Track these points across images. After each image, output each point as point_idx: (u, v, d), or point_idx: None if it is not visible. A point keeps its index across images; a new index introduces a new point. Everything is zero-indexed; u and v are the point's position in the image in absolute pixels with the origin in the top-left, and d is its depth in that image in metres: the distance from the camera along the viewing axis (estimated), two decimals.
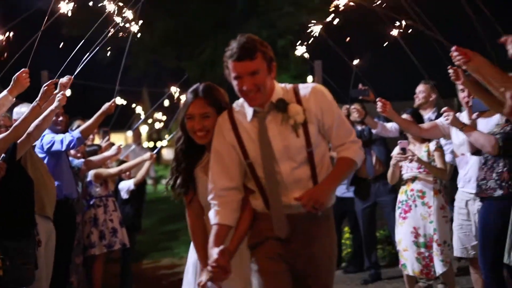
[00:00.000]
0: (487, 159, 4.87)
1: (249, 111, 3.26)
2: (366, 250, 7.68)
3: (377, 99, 5.80)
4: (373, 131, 7.15)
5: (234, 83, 3.18)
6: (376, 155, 7.40)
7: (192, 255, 3.62)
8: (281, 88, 3.28)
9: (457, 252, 5.62)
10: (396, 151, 6.10)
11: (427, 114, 6.74)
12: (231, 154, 3.29)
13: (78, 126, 6.70)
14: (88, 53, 5.02)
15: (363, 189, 7.54)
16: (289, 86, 3.31)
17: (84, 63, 5.03)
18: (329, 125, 3.24)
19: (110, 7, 4.41)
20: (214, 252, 3.08)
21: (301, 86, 3.30)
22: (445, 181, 6.13)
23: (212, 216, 3.25)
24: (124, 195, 7.62)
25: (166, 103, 10.10)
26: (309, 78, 11.23)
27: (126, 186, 7.59)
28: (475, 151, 5.11)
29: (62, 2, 3.79)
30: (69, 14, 3.85)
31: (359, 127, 7.57)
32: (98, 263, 6.98)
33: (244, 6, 16.13)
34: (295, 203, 3.15)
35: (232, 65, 3.14)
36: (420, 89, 6.89)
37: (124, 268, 7.60)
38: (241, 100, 3.31)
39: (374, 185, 7.34)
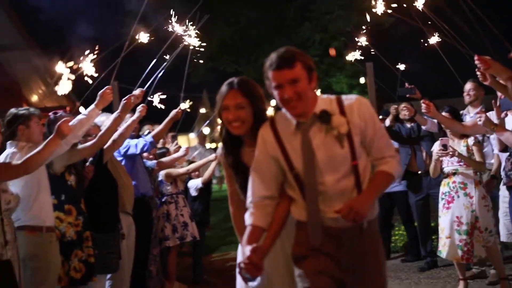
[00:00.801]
0: None
1: (292, 121, 3.23)
2: (421, 240, 8.10)
3: (422, 100, 6.22)
4: (423, 127, 7.58)
5: (275, 93, 3.18)
6: (425, 151, 7.82)
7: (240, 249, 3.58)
8: (324, 99, 3.27)
9: (503, 238, 6.04)
10: (437, 147, 6.56)
11: (475, 110, 6.92)
12: (271, 167, 3.29)
13: (148, 131, 7.40)
14: (159, 69, 5.64)
15: (415, 182, 7.96)
16: (332, 97, 3.29)
17: (156, 77, 5.66)
18: (371, 137, 3.22)
19: (178, 29, 4.93)
20: (247, 250, 3.09)
21: (344, 97, 3.27)
22: (484, 173, 6.54)
23: (247, 218, 3.27)
24: (193, 192, 8.23)
25: None
26: (362, 79, 11.61)
27: (194, 184, 8.19)
28: (504, 148, 5.53)
29: (141, 33, 4.28)
30: (146, 42, 4.34)
31: (408, 125, 8.03)
32: (172, 254, 7.66)
33: (296, 13, 16.55)
34: (338, 215, 3.11)
35: (272, 75, 3.14)
36: (469, 87, 7.08)
37: (195, 260, 8.28)
38: (283, 110, 3.29)
39: (425, 178, 7.68)
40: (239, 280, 3.50)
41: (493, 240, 6.30)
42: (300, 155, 3.19)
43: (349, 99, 3.23)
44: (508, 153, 5.45)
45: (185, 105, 7.13)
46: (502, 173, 5.79)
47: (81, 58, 3.81)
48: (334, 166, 3.15)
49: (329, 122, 3.14)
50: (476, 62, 3.95)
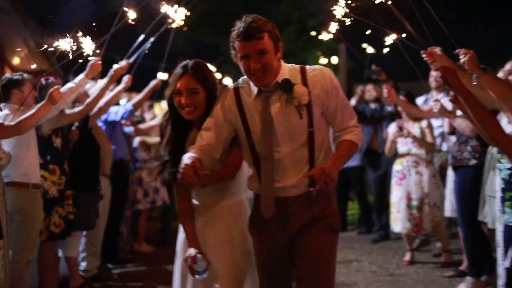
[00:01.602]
0: (462, 135, 5.83)
1: (253, 89, 3.21)
2: (377, 213, 8.74)
3: (384, 85, 6.75)
4: (388, 108, 8.16)
5: (241, 63, 3.14)
6: (386, 130, 8.39)
7: (181, 237, 3.62)
8: (288, 69, 3.24)
9: (448, 213, 6.64)
10: (393, 128, 7.15)
11: (439, 95, 7.28)
12: (223, 131, 3.28)
13: (126, 99, 7.81)
14: (145, 43, 6.02)
15: (375, 160, 8.56)
16: (297, 66, 3.27)
17: (140, 52, 6.05)
18: (334, 108, 3.20)
19: (166, 8, 5.22)
20: (186, 157, 3.08)
21: (308, 67, 3.24)
22: (433, 153, 7.13)
23: (188, 155, 3.15)
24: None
25: None
26: (334, 59, 12.06)
27: None
28: (452, 132, 6.13)
29: (130, 11, 4.52)
30: (133, 21, 4.61)
31: (372, 105, 8.58)
32: (143, 217, 8.13)
33: None
34: (289, 184, 3.18)
35: (239, 45, 3.09)
36: (436, 73, 7.62)
37: (164, 224, 8.74)
38: (245, 77, 3.27)
39: (384, 156, 8.16)
40: (177, 275, 3.58)
41: (440, 215, 6.92)
42: (259, 123, 3.19)
43: (312, 69, 3.21)
44: (455, 136, 6.01)
45: (163, 76, 7.50)
46: (449, 155, 6.34)
47: (79, 36, 4.07)
48: (292, 136, 3.17)
49: (290, 92, 3.13)
50: (424, 57, 4.35)
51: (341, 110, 3.23)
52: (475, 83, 3.50)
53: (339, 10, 4.30)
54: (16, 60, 11.57)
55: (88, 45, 4.00)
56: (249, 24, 3.06)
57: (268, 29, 3.09)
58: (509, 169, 3.66)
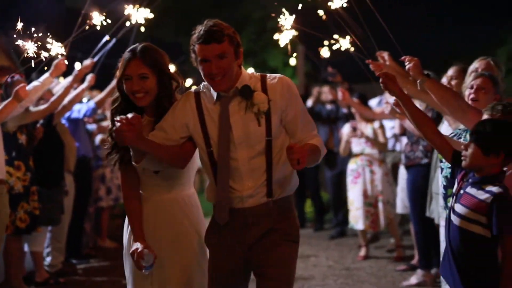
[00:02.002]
0: (412, 135, 6.11)
1: (213, 94, 3.18)
2: (334, 210, 9.02)
3: (338, 88, 7.05)
4: (343, 110, 8.49)
5: (201, 67, 3.11)
6: (341, 131, 8.70)
7: (127, 232, 3.49)
8: (248, 76, 3.21)
9: (399, 210, 6.97)
10: (347, 129, 7.46)
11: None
12: (178, 133, 3.23)
13: (88, 97, 7.92)
14: (109, 43, 6.16)
15: (331, 159, 8.81)
16: (257, 74, 3.25)
17: (104, 52, 6.19)
18: (293, 117, 3.16)
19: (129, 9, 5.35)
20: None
21: (268, 76, 3.21)
22: (386, 153, 7.46)
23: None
24: None
25: None
26: (292, 60, 12.29)
27: None
28: (403, 132, 6.46)
29: (94, 13, 4.62)
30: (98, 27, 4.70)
31: (328, 107, 8.88)
32: (105, 214, 8.25)
33: None
34: (246, 193, 3.13)
35: (199, 48, 3.07)
36: None
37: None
38: (206, 82, 3.24)
39: (339, 156, 8.38)
40: (128, 267, 3.49)
41: (393, 212, 7.25)
42: (217, 129, 3.15)
43: (273, 78, 3.18)
44: (406, 137, 6.33)
45: None
46: (402, 155, 6.64)
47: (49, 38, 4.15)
48: (249, 143, 3.12)
49: (250, 98, 3.10)
50: (371, 67, 4.56)
51: (301, 119, 3.20)
52: (419, 88, 3.78)
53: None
54: None
55: (54, 47, 4.08)
56: (210, 27, 3.04)
57: (228, 33, 3.08)
58: (450, 167, 3.91)
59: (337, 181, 8.74)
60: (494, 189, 2.90)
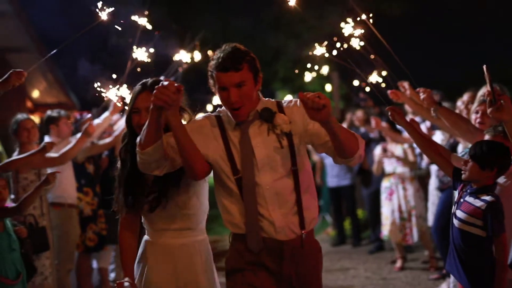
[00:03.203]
0: None
1: (232, 119, 3.08)
2: (372, 226, 9.59)
3: (371, 117, 7.67)
4: (371, 135, 9.12)
5: (219, 95, 3.03)
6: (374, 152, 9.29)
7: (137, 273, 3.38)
8: (266, 101, 3.15)
9: (430, 222, 7.52)
10: (378, 150, 8.10)
11: (416, 118, 8.21)
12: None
13: None
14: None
15: (367, 177, 9.43)
16: (272, 100, 3.20)
17: None
18: (317, 126, 2.98)
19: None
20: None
21: (284, 100, 3.20)
22: (416, 171, 8.02)
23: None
24: None
25: None
26: (327, 86, 12.88)
27: None
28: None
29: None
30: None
31: (362, 129, 9.50)
32: None
33: (270, 20, 17.68)
34: (277, 220, 3.03)
35: (217, 76, 2.97)
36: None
37: None
38: (223, 108, 3.17)
39: (374, 175, 8.95)
40: None
41: (425, 225, 7.80)
42: (239, 154, 3.05)
43: (288, 102, 3.16)
44: None
45: None
46: (436, 179, 7.17)
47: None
48: (273, 165, 3.03)
49: (271, 120, 3.03)
50: (390, 95, 5.17)
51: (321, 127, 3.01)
52: (433, 115, 4.41)
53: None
54: (35, 94, 12.54)
55: (112, 89, 4.46)
56: (228, 54, 2.96)
57: (247, 59, 2.99)
58: None
59: (374, 198, 9.23)
60: (488, 198, 3.53)
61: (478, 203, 3.53)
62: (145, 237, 3.36)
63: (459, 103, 5.59)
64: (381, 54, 4.98)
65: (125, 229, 3.38)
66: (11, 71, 4.20)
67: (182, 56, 6.12)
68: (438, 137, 6.86)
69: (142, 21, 4.90)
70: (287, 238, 3.08)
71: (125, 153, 3.31)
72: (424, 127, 7.04)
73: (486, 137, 3.87)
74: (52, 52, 4.60)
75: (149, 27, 4.99)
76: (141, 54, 4.95)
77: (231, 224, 3.15)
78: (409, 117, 8.13)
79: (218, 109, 3.22)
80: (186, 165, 3.02)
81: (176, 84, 2.75)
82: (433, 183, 7.36)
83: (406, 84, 5.07)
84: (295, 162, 3.08)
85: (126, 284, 3.16)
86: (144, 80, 3.26)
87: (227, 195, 3.13)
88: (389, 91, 5.01)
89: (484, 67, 2.98)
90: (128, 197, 3.29)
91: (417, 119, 7.44)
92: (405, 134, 7.88)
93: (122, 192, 3.30)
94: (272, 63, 16.95)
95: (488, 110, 3.03)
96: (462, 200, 3.65)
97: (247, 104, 3.02)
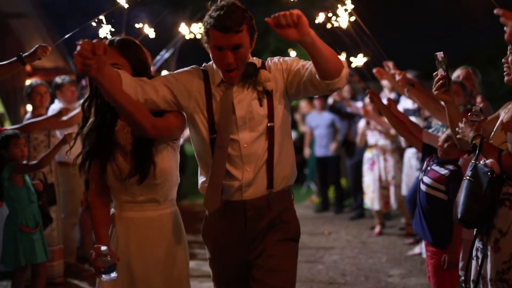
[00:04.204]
0: None
1: (218, 74, 2.96)
2: (354, 195, 10.18)
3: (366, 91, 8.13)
4: (348, 109, 9.69)
5: (213, 52, 2.89)
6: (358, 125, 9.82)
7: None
8: (252, 59, 3.02)
9: (404, 192, 8.05)
10: (362, 123, 8.66)
11: (391, 95, 8.25)
12: (169, 94, 2.95)
13: None
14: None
15: (350, 149, 10.01)
16: (256, 58, 3.07)
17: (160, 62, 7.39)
18: (298, 66, 2.94)
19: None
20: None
21: (270, 58, 3.08)
22: (396, 143, 8.57)
23: None
24: None
25: None
26: None
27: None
28: None
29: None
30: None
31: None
32: None
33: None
34: (246, 179, 2.95)
35: (214, 34, 2.83)
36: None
37: None
38: (209, 63, 3.06)
39: (357, 146, 9.53)
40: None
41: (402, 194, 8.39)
42: (219, 111, 2.95)
43: (270, 59, 3.07)
44: None
45: None
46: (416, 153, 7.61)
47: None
48: (251, 124, 2.95)
49: (256, 76, 2.93)
50: (375, 73, 5.65)
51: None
52: (406, 94, 4.93)
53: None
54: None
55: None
56: (227, 13, 2.80)
57: (246, 21, 2.86)
58: None
59: (356, 169, 9.79)
60: (451, 167, 4.10)
61: (443, 171, 4.08)
62: (112, 210, 3.19)
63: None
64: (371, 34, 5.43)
65: (96, 197, 3.16)
66: (37, 45, 4.29)
67: (182, 29, 6.52)
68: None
69: None
70: (251, 197, 2.99)
71: (88, 109, 3.08)
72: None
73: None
74: (64, 38, 4.72)
75: None
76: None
77: (202, 188, 3.10)
78: (385, 93, 8.72)
79: (204, 64, 3.11)
80: (131, 123, 2.90)
81: (90, 44, 2.47)
82: (408, 155, 7.88)
83: (390, 64, 5.54)
84: (272, 119, 2.97)
85: (103, 248, 2.97)
86: (113, 37, 3.10)
87: (201, 156, 3.08)
88: (374, 69, 5.50)
89: (437, 55, 3.29)
90: (94, 157, 3.07)
91: (393, 95, 8.01)
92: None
93: (90, 156, 3.07)
94: (264, 36, 17.30)
95: (436, 92, 3.32)
96: (429, 168, 4.20)
97: (241, 66, 2.91)
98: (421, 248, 7.23)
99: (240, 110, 2.95)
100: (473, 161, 3.22)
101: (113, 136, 3.06)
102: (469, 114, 3.32)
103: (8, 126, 6.62)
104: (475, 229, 3.31)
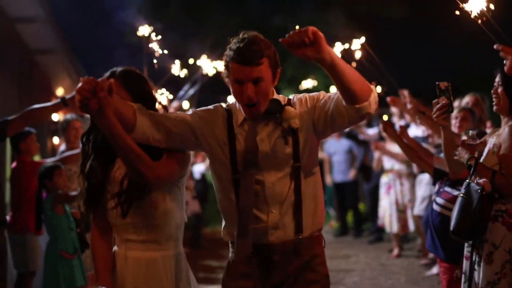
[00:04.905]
0: None
1: (241, 111, 2.83)
2: (371, 218, 10.46)
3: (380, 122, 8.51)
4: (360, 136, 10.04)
5: (234, 86, 2.76)
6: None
7: None
8: (277, 96, 2.88)
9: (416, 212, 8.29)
10: None
11: (401, 121, 8.55)
12: (186, 132, 2.82)
13: None
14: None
15: (367, 174, 10.34)
16: (281, 95, 2.92)
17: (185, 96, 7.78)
18: (324, 98, 2.78)
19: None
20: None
21: (291, 97, 2.92)
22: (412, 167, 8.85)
23: None
24: (197, 175, 10.33)
25: None
26: (333, 88, 13.54)
27: (199, 169, 10.30)
28: None
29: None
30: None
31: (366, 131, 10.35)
32: None
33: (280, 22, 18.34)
34: (272, 222, 2.80)
35: (234, 67, 2.71)
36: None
37: (195, 230, 10.32)
38: (232, 102, 2.93)
39: (374, 171, 9.87)
40: None
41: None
42: (242, 150, 2.80)
43: (295, 96, 2.91)
44: None
45: None
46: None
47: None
48: (277, 163, 2.80)
49: (281, 113, 2.77)
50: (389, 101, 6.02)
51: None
52: (418, 121, 5.26)
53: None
54: (60, 91, 13.41)
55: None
56: (248, 45, 2.69)
57: (268, 54, 2.73)
58: None
59: (373, 193, 10.08)
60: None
61: (455, 192, 4.38)
62: (114, 247, 3.07)
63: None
64: (385, 61, 5.76)
65: (98, 235, 3.07)
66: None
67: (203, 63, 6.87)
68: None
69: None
70: (278, 241, 2.83)
71: (87, 142, 3.01)
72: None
73: (463, 137, 4.72)
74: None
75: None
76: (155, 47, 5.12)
77: (225, 232, 2.96)
78: (394, 120, 8.99)
79: (228, 103, 2.99)
80: (132, 170, 2.77)
81: (91, 83, 2.42)
82: (423, 179, 8.13)
83: (405, 92, 5.85)
84: (297, 159, 2.82)
85: None
86: (114, 68, 2.97)
87: (223, 198, 2.92)
88: (388, 98, 5.84)
89: (439, 84, 3.65)
90: (93, 194, 2.98)
91: (402, 122, 8.31)
92: None
93: (89, 191, 2.98)
94: (281, 63, 17.51)
95: (437, 118, 3.70)
96: (441, 190, 4.51)
97: (263, 101, 2.76)
98: (437, 268, 7.47)
99: (264, 148, 2.81)
100: (467, 180, 3.55)
101: (111, 174, 2.97)
102: (466, 138, 3.68)
103: (38, 159, 6.95)
104: (471, 244, 3.61)
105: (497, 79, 3.61)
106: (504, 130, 3.59)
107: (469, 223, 3.47)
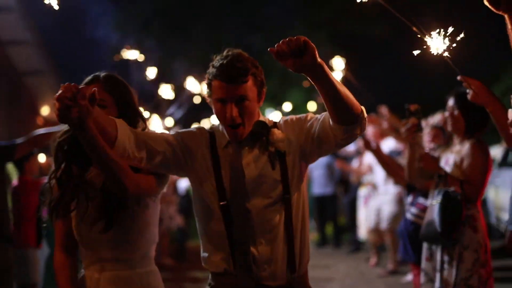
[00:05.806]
0: None
1: (225, 134, 2.66)
2: (350, 230, 10.90)
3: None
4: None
5: (216, 106, 2.60)
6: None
7: None
8: (263, 118, 2.71)
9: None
10: (355, 163, 9.46)
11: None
12: (171, 152, 2.60)
13: None
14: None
15: (346, 186, 10.81)
16: (266, 117, 2.77)
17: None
18: (311, 121, 2.60)
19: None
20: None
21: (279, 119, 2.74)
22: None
23: None
24: (182, 190, 10.77)
25: None
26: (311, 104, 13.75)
27: (183, 184, 10.68)
28: None
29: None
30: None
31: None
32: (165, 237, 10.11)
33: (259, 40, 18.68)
34: (262, 254, 2.61)
35: (216, 85, 2.55)
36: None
37: (181, 243, 10.74)
38: (216, 124, 2.76)
39: (352, 184, 10.35)
40: None
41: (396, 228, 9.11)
42: (228, 176, 2.63)
43: (281, 119, 2.74)
44: None
45: None
46: None
47: None
48: (263, 189, 2.61)
49: (267, 136, 2.61)
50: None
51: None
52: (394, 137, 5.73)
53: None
54: (45, 111, 13.74)
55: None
56: (231, 62, 2.53)
57: (254, 72, 2.58)
58: None
59: (352, 205, 10.50)
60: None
61: (427, 203, 4.84)
62: (82, 270, 2.83)
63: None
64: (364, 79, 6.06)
65: (64, 254, 2.82)
66: None
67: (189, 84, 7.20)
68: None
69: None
70: (268, 281, 2.65)
71: (60, 151, 2.72)
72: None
73: (436, 153, 5.20)
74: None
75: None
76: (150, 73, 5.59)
77: (210, 262, 2.72)
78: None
79: (211, 125, 2.84)
80: (112, 181, 2.54)
81: (72, 89, 2.18)
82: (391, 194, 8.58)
83: (384, 109, 6.28)
84: (287, 189, 2.63)
85: None
86: (97, 72, 2.77)
87: (206, 224, 2.71)
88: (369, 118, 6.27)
89: (410, 106, 4.07)
90: (62, 204, 2.71)
91: None
92: None
93: (58, 196, 2.71)
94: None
95: (406, 136, 4.17)
96: (415, 201, 4.97)
97: (247, 123, 2.60)
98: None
99: (250, 173, 2.62)
100: (443, 188, 3.92)
101: (84, 183, 2.73)
102: (428, 149, 4.18)
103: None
104: (440, 247, 3.99)
105: (451, 103, 4.05)
106: (464, 147, 4.02)
107: (455, 226, 3.83)
